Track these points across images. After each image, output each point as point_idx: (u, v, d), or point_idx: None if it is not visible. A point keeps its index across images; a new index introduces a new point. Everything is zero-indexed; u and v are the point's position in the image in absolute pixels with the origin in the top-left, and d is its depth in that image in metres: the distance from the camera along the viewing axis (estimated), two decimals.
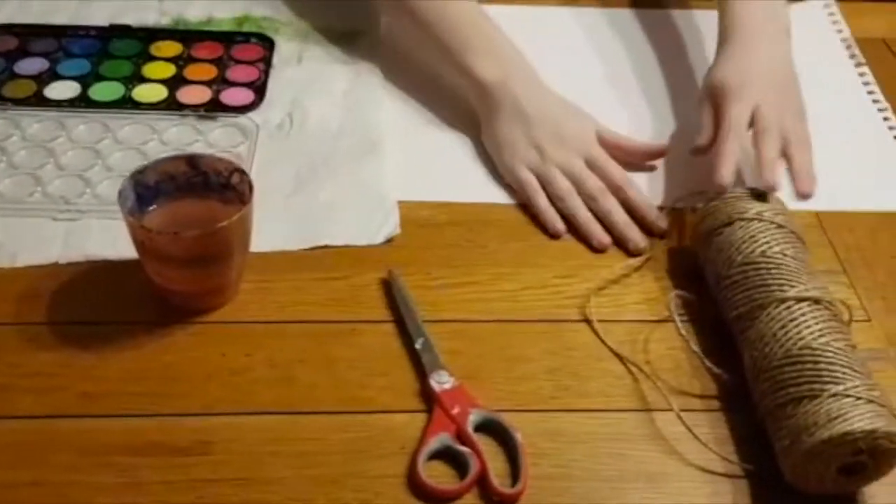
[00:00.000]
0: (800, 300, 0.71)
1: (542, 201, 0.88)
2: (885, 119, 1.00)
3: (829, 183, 0.91)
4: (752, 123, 0.86)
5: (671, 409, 0.71)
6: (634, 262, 0.84)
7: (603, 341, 0.77)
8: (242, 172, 0.76)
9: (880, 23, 1.16)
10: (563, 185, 0.88)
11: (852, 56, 1.08)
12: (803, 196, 0.83)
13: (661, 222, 0.86)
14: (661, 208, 0.88)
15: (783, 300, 0.72)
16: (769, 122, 0.86)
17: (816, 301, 0.71)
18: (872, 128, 0.99)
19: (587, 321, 0.79)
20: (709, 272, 0.79)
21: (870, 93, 1.03)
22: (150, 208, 0.76)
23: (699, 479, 0.68)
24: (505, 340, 0.77)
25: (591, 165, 0.89)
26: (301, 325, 0.77)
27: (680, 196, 0.88)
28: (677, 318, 0.76)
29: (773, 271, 0.74)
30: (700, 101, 0.91)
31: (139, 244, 0.73)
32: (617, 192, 0.88)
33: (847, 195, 0.91)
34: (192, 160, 0.77)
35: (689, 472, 0.68)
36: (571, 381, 0.74)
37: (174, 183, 0.77)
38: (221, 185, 0.77)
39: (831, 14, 1.15)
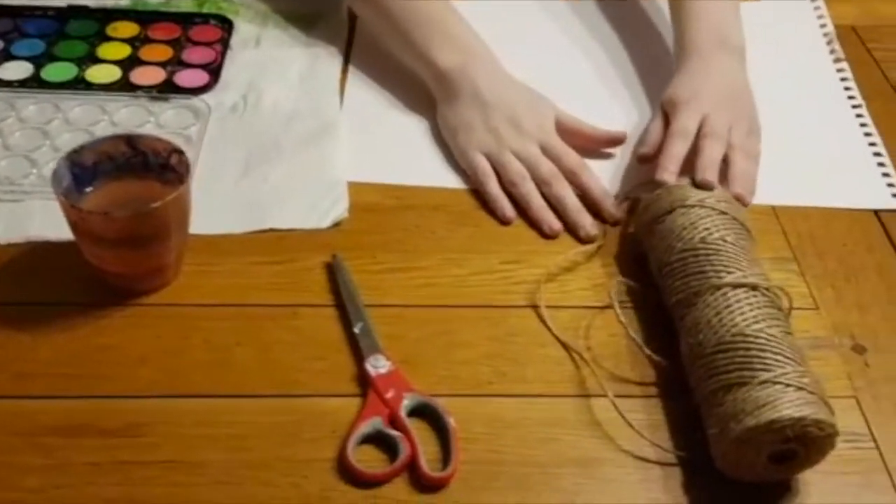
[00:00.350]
0: (736, 287, 0.71)
1: (493, 186, 0.87)
2: (859, 116, 0.99)
3: (793, 178, 0.90)
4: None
5: (608, 396, 0.70)
6: (584, 248, 0.83)
7: (547, 327, 0.76)
8: (181, 153, 0.75)
9: (850, 9, 1.16)
10: (517, 170, 0.87)
11: (832, 51, 1.07)
12: (738, 199, 0.82)
13: (615, 210, 0.86)
14: (619, 197, 0.87)
15: (719, 287, 0.71)
16: (714, 128, 0.86)
17: (753, 288, 0.71)
18: (845, 125, 0.98)
19: (533, 307, 0.78)
20: (652, 259, 0.79)
21: (846, 88, 1.02)
22: (88, 189, 0.75)
23: (631, 465, 0.67)
24: (447, 326, 0.76)
25: (547, 151, 0.88)
26: (241, 308, 0.76)
27: (636, 185, 0.87)
28: (616, 305, 0.75)
29: (711, 258, 0.73)
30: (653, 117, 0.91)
31: (72, 225, 0.72)
32: (571, 178, 0.87)
33: (809, 191, 0.90)
34: (130, 140, 0.76)
35: (621, 459, 0.68)
36: (510, 367, 0.73)
37: (113, 163, 0.76)
38: (161, 165, 0.76)
39: (817, 8, 1.13)
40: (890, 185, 0.91)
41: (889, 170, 0.92)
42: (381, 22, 0.99)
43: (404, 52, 0.97)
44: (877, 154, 0.94)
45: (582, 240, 0.84)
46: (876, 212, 0.88)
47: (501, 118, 0.89)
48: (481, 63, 0.92)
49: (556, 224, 0.84)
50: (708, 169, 0.82)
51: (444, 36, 0.94)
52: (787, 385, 0.65)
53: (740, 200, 0.82)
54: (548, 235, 0.84)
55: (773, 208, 0.88)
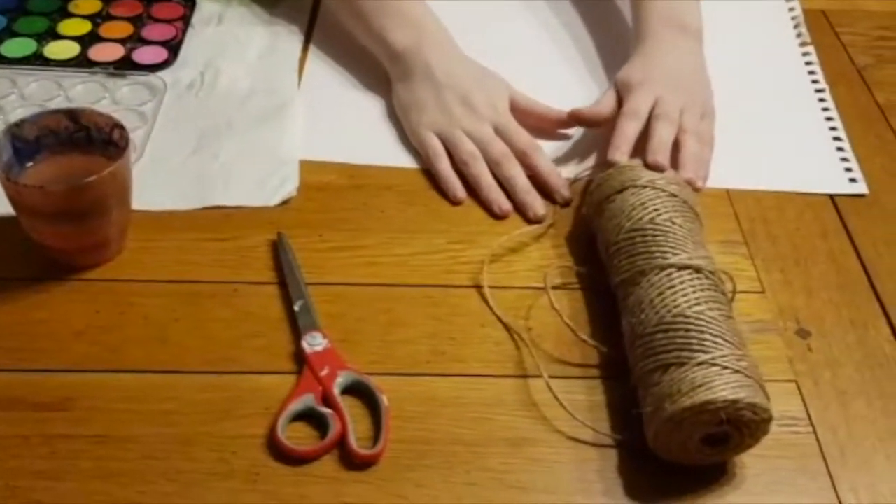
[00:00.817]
0: (681, 268, 0.70)
1: (444, 166, 0.86)
2: (821, 100, 0.98)
3: (750, 161, 0.90)
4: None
5: (543, 377, 0.70)
6: (533, 229, 0.82)
7: (490, 307, 0.76)
8: (122, 128, 0.75)
9: None
10: (468, 150, 0.86)
11: (799, 35, 1.06)
12: (689, 183, 0.81)
13: (565, 191, 0.85)
14: (571, 179, 0.86)
15: (664, 267, 0.70)
16: (666, 110, 0.85)
17: (698, 270, 0.70)
18: (806, 109, 0.97)
19: (477, 287, 0.77)
20: (600, 240, 0.78)
21: (811, 73, 1.01)
22: (29, 164, 0.75)
23: (564, 446, 0.67)
24: (388, 305, 0.76)
25: (500, 131, 0.88)
26: (181, 284, 0.76)
27: (588, 166, 0.87)
28: (550, 292, 0.74)
29: (658, 238, 0.73)
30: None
31: (10, 199, 0.72)
32: (522, 158, 0.86)
33: (766, 174, 0.89)
34: (72, 114, 0.76)
35: (554, 439, 0.67)
36: (449, 347, 0.73)
37: (56, 138, 0.76)
38: (104, 140, 0.76)
39: None
40: (848, 169, 0.90)
41: (848, 154, 0.91)
42: (340, 3, 0.98)
43: (361, 32, 0.96)
44: (836, 139, 0.93)
45: (531, 220, 0.83)
46: (832, 197, 0.87)
47: (454, 97, 0.88)
48: (435, 42, 0.92)
49: (506, 204, 0.84)
50: (658, 151, 0.81)
51: (399, 16, 0.93)
52: (724, 367, 0.64)
53: (691, 184, 0.82)
54: (497, 216, 0.84)
55: (728, 191, 0.87)
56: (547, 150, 0.88)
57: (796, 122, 0.95)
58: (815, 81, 1.00)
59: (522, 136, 0.87)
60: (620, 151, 0.82)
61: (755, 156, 0.91)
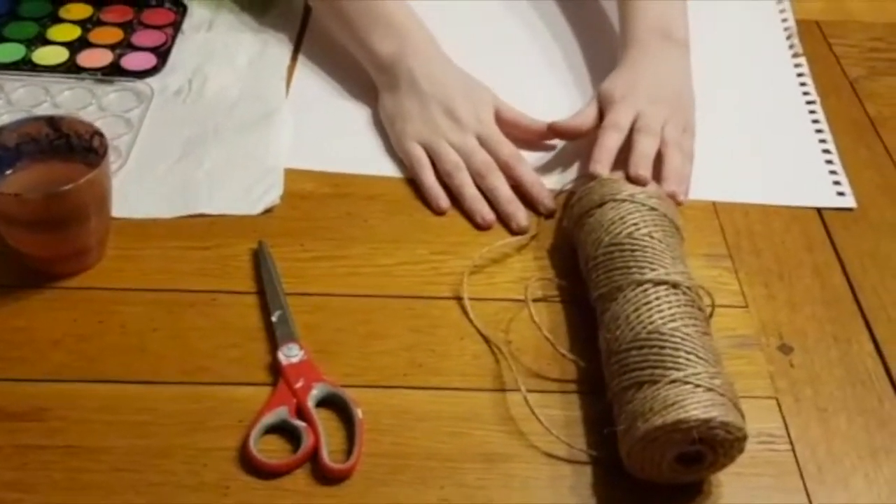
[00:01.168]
0: (658, 283, 0.70)
1: (428, 176, 0.86)
2: (812, 112, 0.97)
3: (738, 173, 0.89)
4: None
5: (521, 391, 0.69)
6: (516, 240, 0.82)
7: (470, 320, 0.75)
8: (101, 135, 0.75)
9: (817, 4, 1.14)
10: (452, 160, 0.86)
11: (791, 46, 1.06)
12: (671, 197, 0.81)
13: (549, 202, 0.85)
14: (555, 191, 0.86)
15: (640, 283, 0.70)
16: (647, 124, 0.85)
17: (675, 285, 0.70)
18: (796, 121, 0.96)
19: (458, 299, 0.77)
20: (580, 254, 0.78)
21: (802, 84, 1.01)
22: (8, 171, 0.75)
23: (540, 461, 0.66)
24: (368, 316, 0.75)
25: (483, 142, 0.87)
26: (161, 293, 0.76)
27: (573, 178, 0.86)
28: (531, 306, 0.74)
29: (636, 253, 0.72)
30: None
31: None
32: (506, 169, 0.86)
33: (753, 187, 0.88)
34: (52, 121, 0.75)
35: (530, 455, 0.67)
36: (427, 359, 0.73)
37: (37, 145, 0.76)
38: (85, 147, 0.76)
39: (780, 1, 1.12)
40: (836, 182, 0.89)
41: (836, 167, 0.91)
42: (327, 10, 0.98)
43: (347, 39, 0.96)
44: (826, 151, 0.92)
45: (514, 231, 0.83)
46: (819, 210, 0.87)
47: (438, 108, 0.88)
48: (418, 49, 0.91)
49: (490, 215, 0.83)
50: (640, 164, 0.81)
51: (385, 24, 0.93)
52: (697, 385, 0.64)
53: (673, 198, 0.81)
54: (481, 226, 0.83)
55: (714, 204, 0.86)
56: (531, 161, 0.88)
57: (786, 134, 0.95)
58: (806, 93, 0.99)
59: (506, 147, 0.87)
60: (601, 164, 0.81)
61: (744, 167, 0.90)
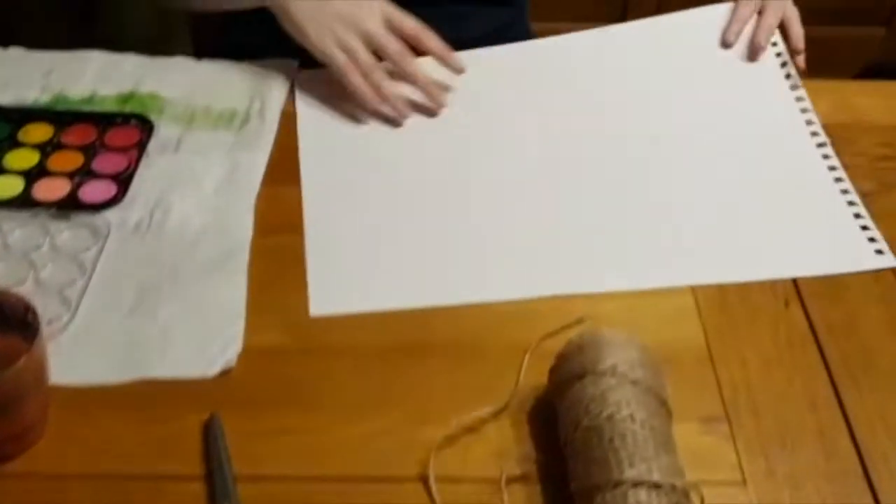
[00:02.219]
0: (636, 485, 0.63)
1: (355, 78, 0.96)
2: (844, 191, 0.94)
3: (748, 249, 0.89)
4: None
5: None
6: (492, 407, 0.75)
7: None
8: (34, 311, 0.69)
9: (825, 106, 1.06)
10: (368, 61, 0.96)
11: (809, 123, 1.00)
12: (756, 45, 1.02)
13: (458, 63, 0.99)
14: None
15: (618, 484, 0.63)
16: None
17: (656, 486, 0.63)
18: (824, 198, 0.94)
19: (425, 480, 0.71)
20: (560, 427, 0.71)
21: (832, 168, 0.96)
22: None
23: None
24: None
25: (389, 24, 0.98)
26: (104, 480, 0.70)
27: (550, 332, 0.80)
28: (505, 492, 0.67)
29: (614, 443, 0.65)
30: None
31: None
32: (416, 43, 0.97)
33: (764, 263, 0.88)
34: None
35: None
36: None
37: None
38: (20, 320, 0.70)
39: (799, 99, 1.04)
40: (871, 239, 0.90)
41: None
42: None
43: None
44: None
45: (435, 111, 0.98)
46: (826, 362, 0.80)
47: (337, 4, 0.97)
48: None
49: (406, 110, 0.97)
50: (738, 24, 1.04)
51: None
52: None
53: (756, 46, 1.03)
54: (397, 120, 0.97)
55: (707, 341, 0.80)
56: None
57: (814, 211, 0.93)
58: (832, 167, 0.97)
59: (409, 21, 0.97)
60: (732, 34, 1.03)
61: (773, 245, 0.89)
